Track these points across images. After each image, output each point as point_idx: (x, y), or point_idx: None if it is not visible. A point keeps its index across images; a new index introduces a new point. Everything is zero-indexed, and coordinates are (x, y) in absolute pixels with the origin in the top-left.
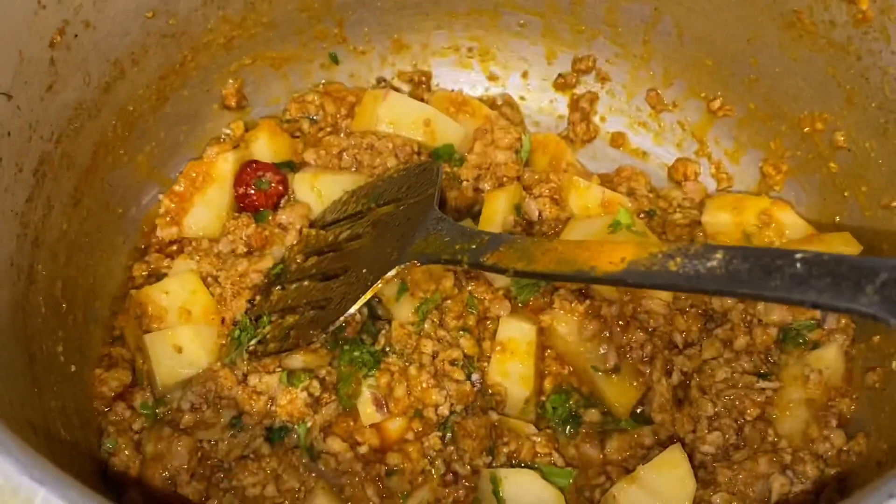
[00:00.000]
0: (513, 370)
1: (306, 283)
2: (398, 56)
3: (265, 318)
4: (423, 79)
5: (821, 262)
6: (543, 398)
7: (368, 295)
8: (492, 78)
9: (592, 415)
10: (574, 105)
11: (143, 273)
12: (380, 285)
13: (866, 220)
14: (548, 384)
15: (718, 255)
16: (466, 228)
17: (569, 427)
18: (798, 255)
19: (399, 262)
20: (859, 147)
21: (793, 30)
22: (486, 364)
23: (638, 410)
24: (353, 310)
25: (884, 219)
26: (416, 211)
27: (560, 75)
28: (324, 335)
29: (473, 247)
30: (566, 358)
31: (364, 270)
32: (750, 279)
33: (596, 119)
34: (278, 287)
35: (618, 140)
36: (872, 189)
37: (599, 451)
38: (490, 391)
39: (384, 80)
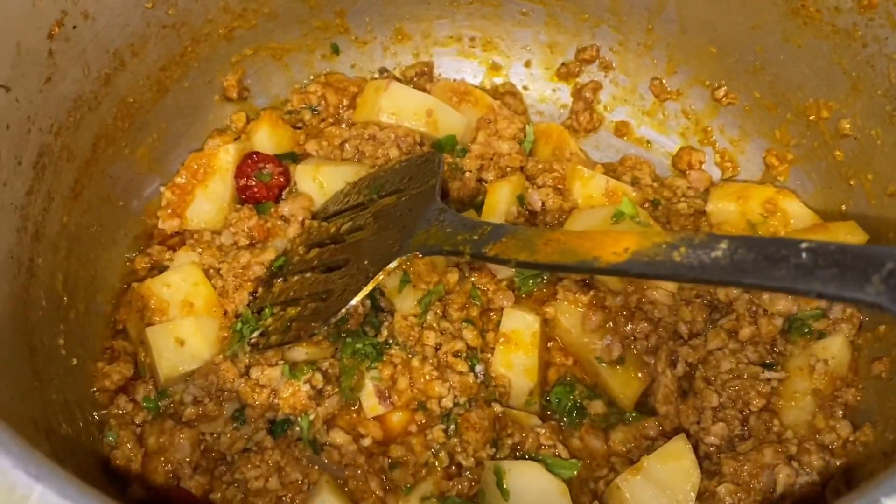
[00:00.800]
0: (517, 361)
1: (308, 275)
2: (400, 46)
3: (267, 310)
4: (426, 69)
5: (826, 252)
6: (548, 390)
7: (370, 287)
8: (494, 68)
9: (597, 406)
10: (577, 94)
11: (146, 266)
12: (381, 277)
13: (872, 209)
14: (552, 375)
15: (723, 245)
16: (468, 219)
17: (573, 419)
18: (803, 245)
19: (401, 254)
20: (865, 135)
21: (797, 17)
22: (489, 356)
23: (643, 402)
24: (354, 301)
25: (890, 207)
26: (418, 202)
27: (563, 64)
28: (325, 327)
29: (475, 237)
30: (570, 349)
31: (366, 262)
32: (754, 269)
33: (600, 108)
34: (280, 279)
35: (622, 129)
36: (878, 177)
37: (604, 443)
38: (494, 383)
39: (386, 71)
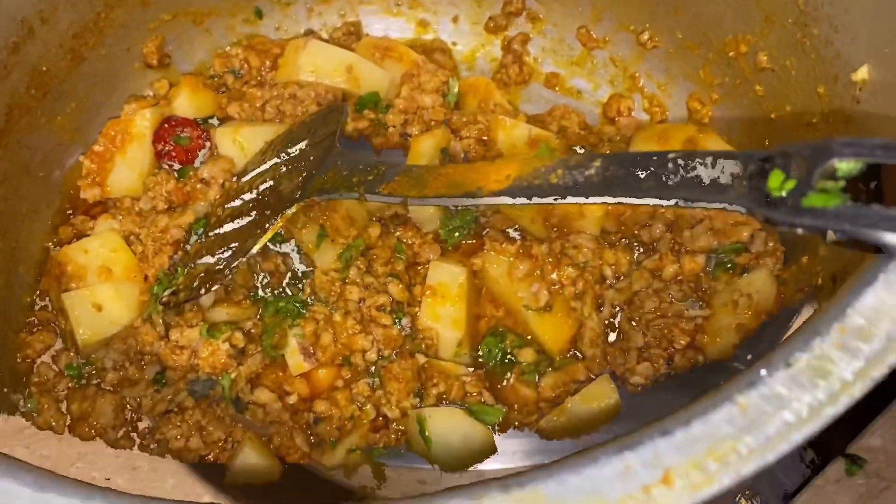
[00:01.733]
0: (444, 314)
1: (222, 232)
2: (325, 6)
3: (180, 269)
4: (353, 29)
5: (691, 160)
6: (479, 341)
7: (269, 234)
8: (422, 25)
9: (527, 354)
10: (507, 47)
11: (70, 235)
12: (280, 224)
13: (793, 140)
14: (483, 327)
15: (596, 164)
16: (367, 160)
17: (504, 368)
18: (671, 156)
19: (299, 200)
20: (781, 66)
21: None
22: (417, 310)
23: (573, 348)
24: (255, 249)
25: (809, 136)
26: (320, 150)
27: (491, 18)
28: (227, 278)
29: (370, 178)
30: (500, 299)
31: (268, 212)
32: (624, 184)
33: (530, 60)
34: (198, 240)
35: (552, 81)
36: (796, 108)
37: (534, 390)
38: (421, 335)
39: (312, 32)
